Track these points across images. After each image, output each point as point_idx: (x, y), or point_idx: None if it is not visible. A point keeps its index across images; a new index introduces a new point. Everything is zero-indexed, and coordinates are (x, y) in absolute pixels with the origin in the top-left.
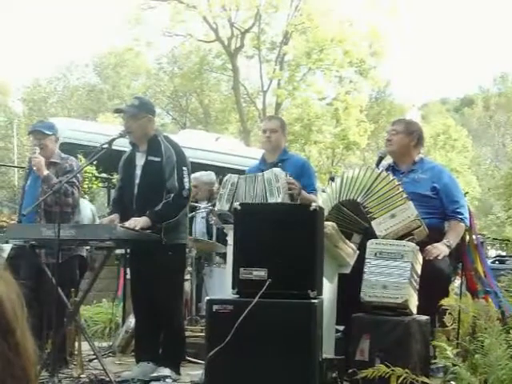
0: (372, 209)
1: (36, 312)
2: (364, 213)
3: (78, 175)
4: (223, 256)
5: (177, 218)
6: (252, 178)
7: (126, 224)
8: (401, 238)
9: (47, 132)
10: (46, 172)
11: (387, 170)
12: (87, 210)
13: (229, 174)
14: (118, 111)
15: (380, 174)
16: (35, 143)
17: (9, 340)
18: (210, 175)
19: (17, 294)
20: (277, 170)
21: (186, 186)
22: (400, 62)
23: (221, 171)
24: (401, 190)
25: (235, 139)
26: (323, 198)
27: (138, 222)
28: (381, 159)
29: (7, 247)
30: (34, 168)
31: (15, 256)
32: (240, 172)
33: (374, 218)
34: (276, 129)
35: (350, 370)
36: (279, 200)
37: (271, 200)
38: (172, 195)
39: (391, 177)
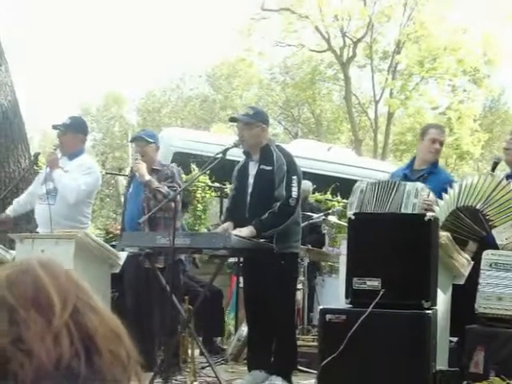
0: (492, 217)
1: (146, 319)
2: (483, 220)
3: (179, 181)
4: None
5: (283, 226)
6: (391, 185)
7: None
8: None
9: (149, 140)
10: (148, 177)
11: (506, 179)
12: None
13: (359, 181)
14: (232, 120)
15: (500, 182)
16: (137, 150)
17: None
18: (305, 184)
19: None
20: (420, 185)
21: (294, 194)
22: None
23: (333, 181)
24: None
25: (347, 149)
26: (440, 204)
27: (241, 232)
28: (496, 164)
29: (123, 255)
30: (137, 173)
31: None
32: (352, 182)
33: (495, 227)
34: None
35: (465, 383)
36: None
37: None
38: (278, 204)
39: None
